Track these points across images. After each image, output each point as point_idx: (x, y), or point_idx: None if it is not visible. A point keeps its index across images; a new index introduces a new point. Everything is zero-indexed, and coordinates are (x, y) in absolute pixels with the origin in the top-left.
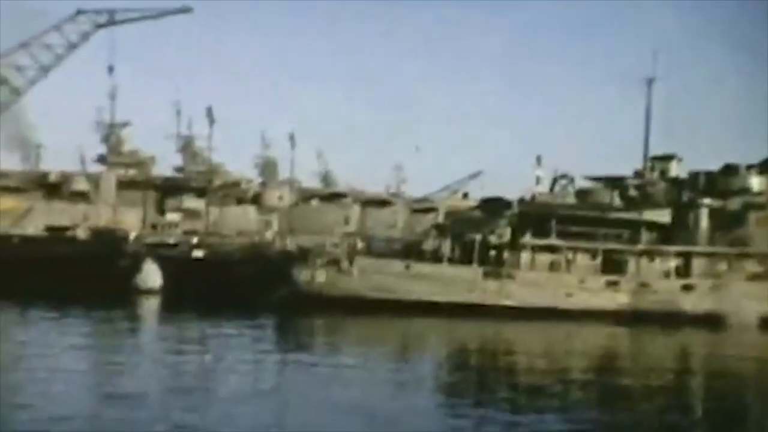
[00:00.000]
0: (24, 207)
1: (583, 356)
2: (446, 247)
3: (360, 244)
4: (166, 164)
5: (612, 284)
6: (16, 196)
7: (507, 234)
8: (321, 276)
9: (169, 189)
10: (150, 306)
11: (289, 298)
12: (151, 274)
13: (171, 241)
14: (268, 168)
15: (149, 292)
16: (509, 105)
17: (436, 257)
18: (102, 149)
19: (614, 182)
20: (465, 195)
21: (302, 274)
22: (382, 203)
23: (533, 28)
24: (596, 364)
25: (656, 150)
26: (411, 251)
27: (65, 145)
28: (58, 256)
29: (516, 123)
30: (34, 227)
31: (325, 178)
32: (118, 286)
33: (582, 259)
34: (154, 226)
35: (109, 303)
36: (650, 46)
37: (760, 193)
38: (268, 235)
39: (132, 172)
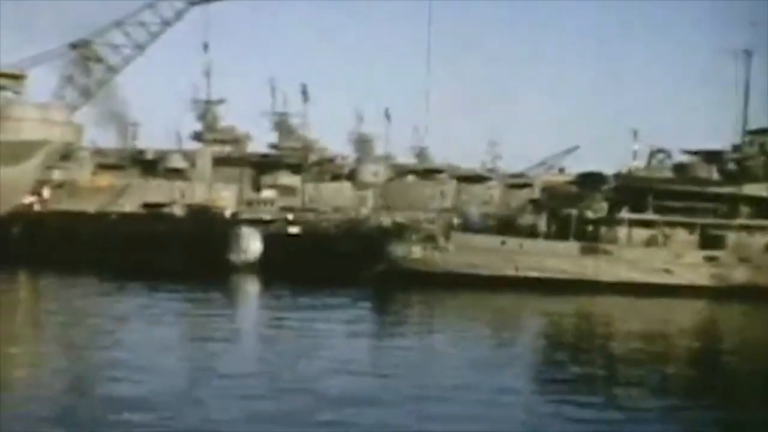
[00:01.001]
0: (121, 184)
1: (690, 334)
2: (542, 222)
3: (455, 220)
4: (261, 141)
5: (710, 259)
6: (113, 173)
7: (604, 209)
8: (417, 252)
9: (264, 166)
10: (247, 282)
11: (384, 274)
12: (249, 251)
13: (267, 217)
14: (363, 144)
15: (247, 268)
16: (605, 79)
17: (532, 233)
18: (198, 126)
19: (712, 156)
20: (561, 170)
21: (398, 250)
22: (477, 179)
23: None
24: (705, 343)
25: (755, 124)
26: (507, 227)
27: (161, 122)
28: (155, 233)
29: (612, 97)
30: (131, 204)
31: (421, 154)
32: (215, 262)
33: (680, 234)
34: (249, 203)
35: (206, 279)
36: (748, 17)
37: None
38: (364, 211)
39: (228, 149)
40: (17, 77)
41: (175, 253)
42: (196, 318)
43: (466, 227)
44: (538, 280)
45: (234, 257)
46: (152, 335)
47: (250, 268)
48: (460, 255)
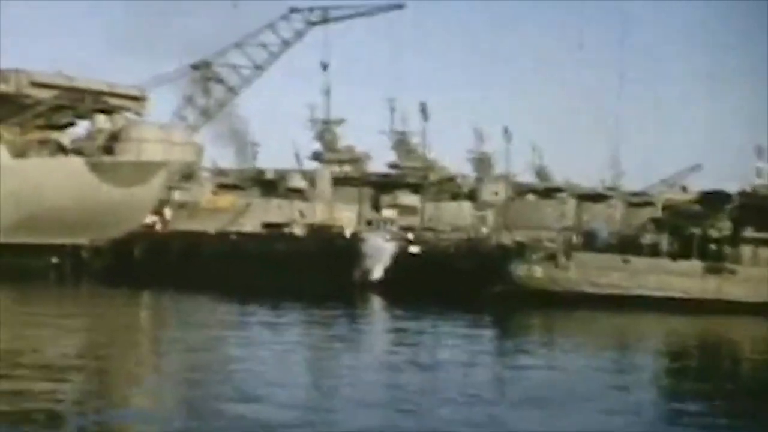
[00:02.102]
0: (241, 204)
1: None
2: (664, 241)
3: (577, 239)
4: (380, 161)
5: None
6: (234, 193)
7: (728, 228)
8: (538, 271)
9: (384, 185)
10: (370, 301)
11: (505, 294)
12: (373, 270)
13: (387, 237)
14: (482, 163)
15: (369, 287)
16: (729, 95)
17: (654, 252)
18: (317, 146)
19: None
20: (683, 188)
21: (519, 270)
22: (598, 197)
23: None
24: None
25: None
26: (628, 246)
27: (281, 142)
28: (275, 252)
29: (735, 113)
30: (251, 224)
31: (541, 173)
32: (336, 281)
33: None
34: (369, 222)
35: (328, 298)
36: None
37: None
38: (484, 230)
39: (347, 168)
40: (139, 98)
41: (296, 272)
42: (322, 339)
43: (592, 245)
44: (660, 299)
45: (358, 276)
46: (282, 355)
47: (373, 287)
48: (581, 274)
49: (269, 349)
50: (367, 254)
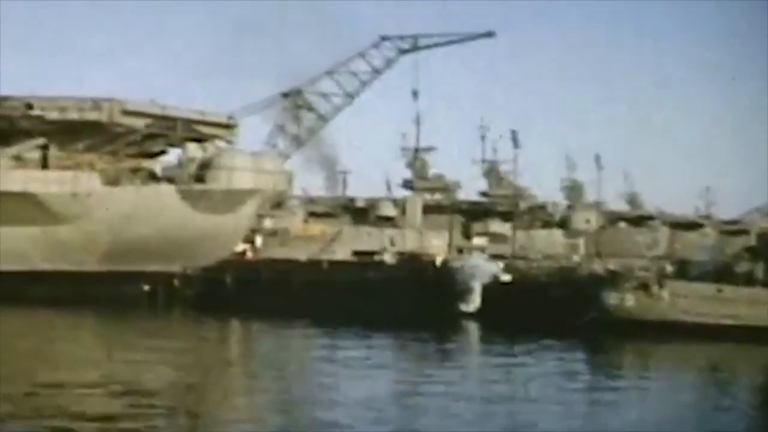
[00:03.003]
0: (332, 232)
1: None
2: (759, 270)
3: (669, 268)
4: (471, 188)
5: None
6: (324, 221)
7: None
8: (630, 300)
9: (475, 213)
10: (462, 329)
11: (597, 322)
12: (471, 298)
13: (459, 266)
14: (574, 191)
15: (462, 314)
16: None
17: (749, 281)
18: (407, 174)
19: None
20: None
21: (611, 298)
22: (691, 225)
23: None
24: None
25: None
26: (722, 274)
27: (371, 170)
28: (366, 280)
29: None
30: (342, 252)
31: (632, 200)
32: (427, 309)
33: None
34: (460, 251)
35: (421, 326)
36: None
37: None
38: (575, 258)
39: (437, 196)
40: (230, 126)
41: (387, 300)
42: (415, 367)
43: (680, 275)
44: (755, 329)
45: (452, 303)
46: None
47: (466, 315)
48: (674, 303)
49: (362, 378)
50: (466, 275)
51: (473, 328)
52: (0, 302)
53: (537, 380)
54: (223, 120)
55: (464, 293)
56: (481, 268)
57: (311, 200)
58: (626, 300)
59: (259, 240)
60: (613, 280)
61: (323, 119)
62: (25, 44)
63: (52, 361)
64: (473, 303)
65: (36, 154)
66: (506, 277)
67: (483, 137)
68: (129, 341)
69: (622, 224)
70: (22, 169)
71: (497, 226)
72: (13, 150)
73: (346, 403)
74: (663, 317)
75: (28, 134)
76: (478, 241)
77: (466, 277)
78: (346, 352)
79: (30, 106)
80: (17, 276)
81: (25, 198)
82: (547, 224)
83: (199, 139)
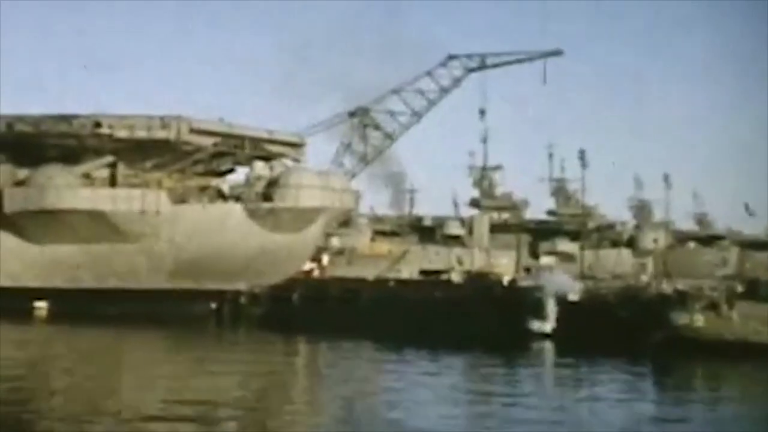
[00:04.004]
0: (399, 251)
1: None
2: None
3: (739, 288)
4: (538, 207)
5: None
6: (391, 240)
7: None
8: (699, 320)
9: (542, 232)
10: (530, 349)
11: (666, 343)
12: (546, 318)
13: (536, 284)
14: (642, 210)
15: (535, 334)
16: None
17: None
18: (475, 193)
19: None
20: None
21: (680, 318)
22: (761, 245)
23: None
24: None
25: None
26: None
27: (438, 189)
28: (433, 299)
29: None
30: (409, 271)
31: (701, 220)
32: (495, 328)
33: None
34: (527, 269)
35: (487, 345)
36: None
37: None
38: (644, 278)
39: (505, 215)
40: (297, 145)
41: (454, 319)
42: (484, 388)
43: (751, 295)
44: None
45: (532, 325)
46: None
47: (534, 335)
48: (744, 323)
49: (431, 399)
50: (545, 293)
51: (543, 348)
52: (69, 320)
53: (596, 405)
54: (291, 138)
55: (538, 312)
56: (564, 285)
57: (378, 219)
58: (695, 320)
59: (326, 258)
60: (682, 300)
61: (390, 138)
62: (95, 62)
63: (123, 380)
64: (548, 322)
65: (104, 173)
66: (574, 297)
67: (551, 156)
68: (197, 359)
69: (691, 244)
70: (91, 187)
71: (565, 245)
72: (82, 168)
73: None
74: (733, 338)
75: (97, 152)
76: (545, 260)
77: (544, 296)
78: (413, 369)
79: (99, 125)
80: (86, 294)
81: (94, 216)
82: (615, 243)
83: (267, 158)
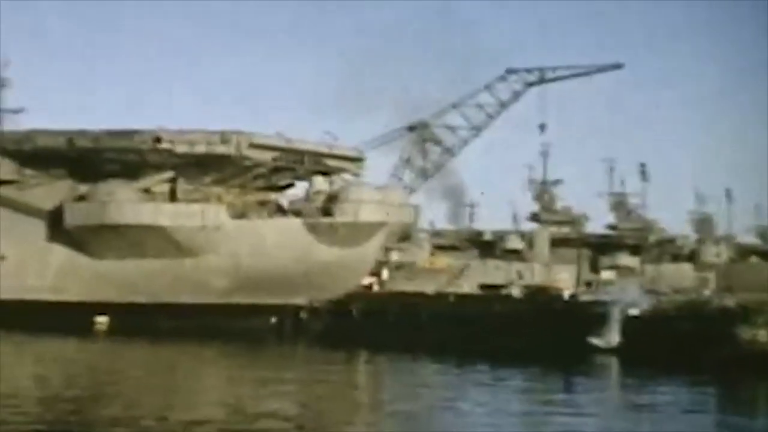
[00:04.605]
0: (459, 266)
1: None
2: None
3: None
4: (598, 222)
5: None
6: (451, 254)
7: None
8: (763, 335)
9: (602, 246)
10: (592, 364)
11: (729, 358)
12: (612, 333)
13: (606, 299)
14: (703, 224)
15: (597, 350)
16: None
17: None
18: (534, 207)
19: None
20: None
21: (743, 333)
22: None
23: None
24: None
25: None
26: None
27: (498, 203)
28: (493, 313)
29: None
30: (469, 285)
31: (764, 234)
32: (555, 343)
33: None
34: (588, 284)
35: (548, 361)
36: None
37: None
38: (705, 292)
39: (565, 229)
40: (356, 159)
41: (514, 334)
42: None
43: None
44: None
45: (597, 339)
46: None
47: (600, 349)
48: None
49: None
50: (615, 306)
51: (606, 364)
52: (129, 335)
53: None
54: (350, 153)
55: (601, 327)
56: (635, 299)
57: (437, 233)
58: (759, 335)
59: (385, 273)
60: (744, 314)
61: (450, 152)
62: (155, 77)
63: (183, 395)
64: (611, 337)
65: (165, 188)
66: (635, 312)
67: (611, 170)
68: (258, 374)
69: (754, 258)
70: (151, 202)
71: (625, 259)
72: (143, 183)
73: None
74: None
75: (157, 167)
76: (606, 274)
77: (609, 310)
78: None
79: (159, 140)
80: (145, 308)
81: (154, 231)
82: (676, 258)
83: (326, 172)
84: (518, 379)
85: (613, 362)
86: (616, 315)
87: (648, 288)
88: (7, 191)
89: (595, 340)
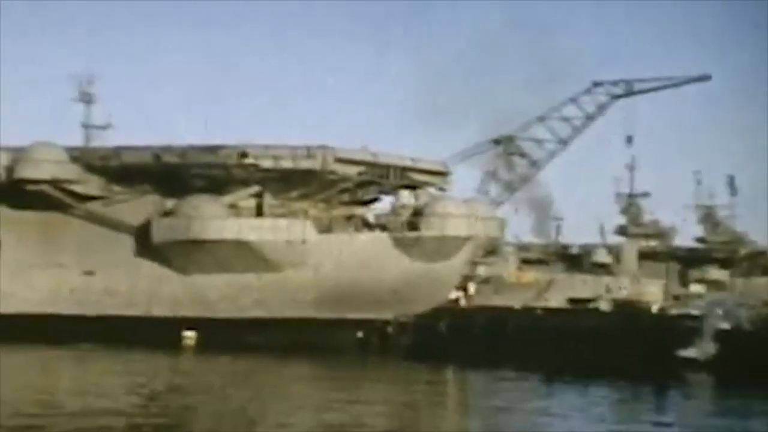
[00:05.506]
0: (546, 279)
1: None
2: None
3: None
4: (687, 234)
5: None
6: (537, 268)
7: None
8: None
9: (691, 260)
10: (683, 379)
11: None
12: (703, 346)
13: (695, 312)
14: None
15: (687, 364)
16: None
17: None
18: (622, 220)
19: None
20: None
21: None
22: None
23: None
24: None
25: None
26: None
27: (585, 217)
28: (581, 328)
29: None
30: (556, 299)
31: None
32: (643, 358)
33: None
34: (677, 298)
35: (638, 376)
36: None
37: None
38: None
39: (653, 243)
40: (442, 173)
41: (602, 348)
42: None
43: None
44: None
45: (689, 353)
46: None
47: (691, 364)
48: None
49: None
50: (710, 319)
51: (698, 379)
52: (217, 350)
53: None
54: (436, 167)
55: (692, 341)
56: (733, 312)
57: (524, 247)
58: None
59: (472, 287)
60: None
61: (536, 166)
62: (238, 93)
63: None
64: (706, 350)
65: (251, 203)
66: (725, 325)
67: (699, 182)
68: (347, 389)
69: None
70: (238, 218)
71: (715, 272)
72: (229, 198)
73: None
74: None
75: (243, 183)
76: (694, 288)
77: (703, 324)
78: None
79: (244, 155)
80: (232, 323)
81: (240, 246)
82: (766, 271)
83: (412, 186)
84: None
85: (706, 377)
86: (709, 327)
87: (738, 302)
88: (94, 207)
89: (686, 353)
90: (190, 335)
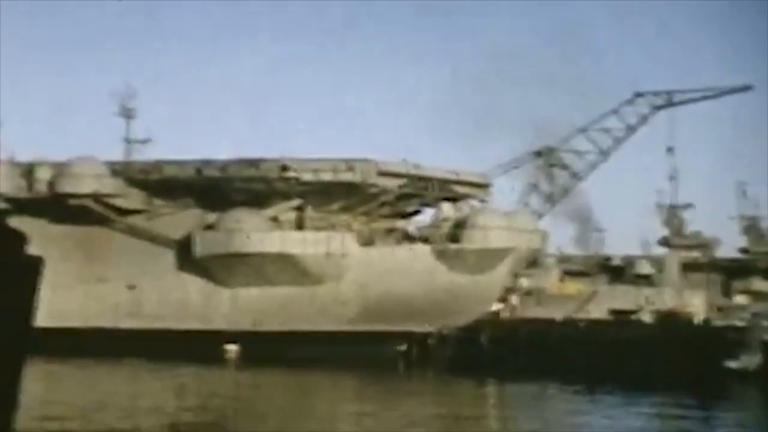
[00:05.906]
0: (588, 291)
1: None
2: None
3: None
4: (730, 245)
5: None
6: (580, 280)
7: None
8: None
9: (734, 271)
10: (729, 392)
11: None
12: (750, 357)
13: (739, 324)
14: None
15: (735, 377)
16: None
17: None
18: (664, 231)
19: None
20: None
21: None
22: None
23: None
24: None
25: None
26: None
27: (626, 228)
28: (624, 339)
29: None
30: (598, 311)
31: None
32: (686, 370)
33: None
34: (720, 309)
35: (682, 388)
36: None
37: None
38: None
39: (695, 254)
40: (483, 185)
41: (645, 360)
42: None
43: None
44: None
45: (735, 363)
46: None
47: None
48: None
49: None
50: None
51: (745, 392)
52: (258, 363)
53: None
54: (477, 179)
55: (738, 353)
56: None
57: (566, 258)
58: None
59: (514, 299)
60: None
61: (577, 177)
62: (279, 107)
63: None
64: (752, 361)
65: (292, 216)
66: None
67: (742, 193)
68: (388, 400)
69: None
70: (279, 231)
71: (759, 284)
72: (270, 212)
73: None
74: None
75: (284, 196)
76: (738, 299)
77: (751, 335)
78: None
79: (285, 168)
80: (273, 337)
81: (282, 259)
82: None
83: (453, 199)
84: (652, 406)
85: (752, 388)
86: (755, 338)
87: None
88: (136, 221)
89: (732, 364)
90: (231, 349)
